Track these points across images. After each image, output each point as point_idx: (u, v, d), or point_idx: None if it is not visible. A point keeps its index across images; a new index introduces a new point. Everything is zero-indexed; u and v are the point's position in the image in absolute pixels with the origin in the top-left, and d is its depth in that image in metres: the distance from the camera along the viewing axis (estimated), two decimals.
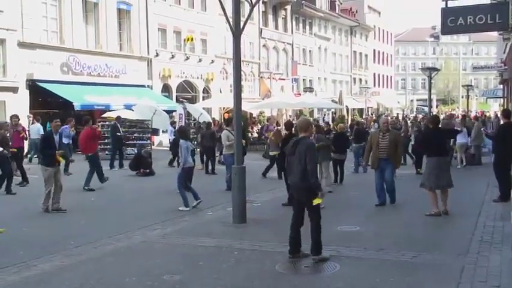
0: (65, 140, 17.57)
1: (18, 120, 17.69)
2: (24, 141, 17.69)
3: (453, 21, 11.92)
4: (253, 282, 6.69)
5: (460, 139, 18.58)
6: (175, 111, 30.56)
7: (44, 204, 11.55)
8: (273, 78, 45.63)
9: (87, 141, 15.53)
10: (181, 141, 12.56)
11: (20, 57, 25.58)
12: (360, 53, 68.12)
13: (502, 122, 13.93)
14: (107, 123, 23.80)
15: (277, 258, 7.63)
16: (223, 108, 37.38)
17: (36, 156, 18.56)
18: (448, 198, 10.87)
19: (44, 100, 27.04)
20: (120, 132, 21.36)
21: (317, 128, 14.77)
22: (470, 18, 11.76)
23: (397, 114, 61.87)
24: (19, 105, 24.21)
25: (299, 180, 7.37)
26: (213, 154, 19.37)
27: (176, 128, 24.27)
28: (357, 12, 66.59)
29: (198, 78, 38.35)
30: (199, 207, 11.88)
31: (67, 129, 19.07)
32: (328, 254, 7.55)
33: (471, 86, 51.68)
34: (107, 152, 22.44)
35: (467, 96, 46.64)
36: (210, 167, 19.05)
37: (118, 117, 22.48)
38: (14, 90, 25.32)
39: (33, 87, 26.11)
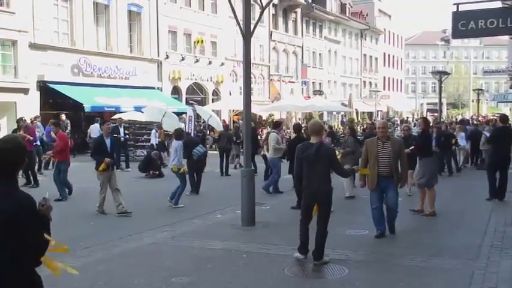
0: (47, 139, 17.61)
1: (24, 122, 17.69)
2: (34, 144, 16.93)
3: (464, 25, 11.86)
4: (261, 285, 6.68)
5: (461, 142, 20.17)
6: (185, 113, 30.61)
7: (99, 208, 11.48)
8: (283, 81, 45.62)
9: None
10: (174, 141, 13.21)
11: (31, 58, 25.74)
12: (370, 56, 67.97)
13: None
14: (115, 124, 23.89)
15: (285, 261, 7.61)
16: (233, 110, 37.41)
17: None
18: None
19: (54, 101, 27.18)
20: (118, 134, 21.36)
21: (351, 131, 14.90)
22: (481, 22, 11.69)
23: (406, 117, 61.62)
24: (30, 107, 24.38)
25: (325, 185, 7.42)
26: (228, 156, 19.68)
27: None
28: (367, 15, 66.47)
29: (207, 80, 38.42)
30: (210, 210, 11.91)
31: (49, 130, 19.22)
32: (328, 258, 7.56)
33: (482, 90, 51.48)
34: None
35: (478, 101, 46.44)
36: (224, 169, 19.20)
37: (119, 119, 22.68)
38: (25, 91, 25.48)
39: (44, 88, 26.27)
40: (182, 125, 27.35)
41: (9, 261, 3.11)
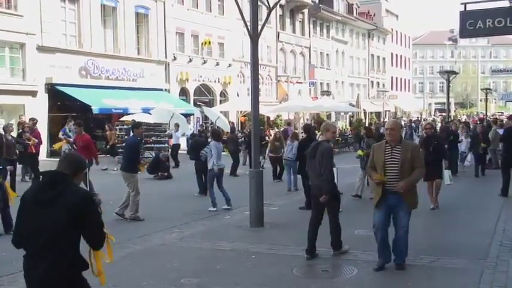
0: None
1: (32, 123, 17.77)
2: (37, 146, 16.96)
3: (472, 25, 11.81)
4: (270, 286, 6.69)
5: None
6: (192, 114, 30.69)
7: (133, 213, 11.25)
8: (290, 81, 45.59)
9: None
10: (212, 142, 12.71)
11: (39, 61, 25.85)
12: (378, 57, 67.82)
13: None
14: (124, 126, 23.92)
15: (294, 262, 7.62)
16: (241, 111, 37.45)
17: None
18: None
19: (62, 104, 27.27)
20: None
21: (367, 132, 14.43)
22: (489, 21, 11.64)
23: (417, 117, 61.40)
24: (38, 109, 24.46)
25: (319, 182, 7.72)
26: (237, 158, 19.68)
27: (191, 132, 24.45)
28: (374, 15, 66.33)
29: (215, 81, 38.45)
30: (218, 211, 11.93)
31: (64, 130, 19.32)
32: (347, 246, 7.96)
33: (490, 89, 51.26)
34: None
35: (486, 100, 46.26)
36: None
37: (133, 121, 22.70)
38: (33, 94, 25.59)
39: (52, 91, 26.36)
40: (190, 126, 27.49)
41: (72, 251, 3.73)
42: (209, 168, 12.51)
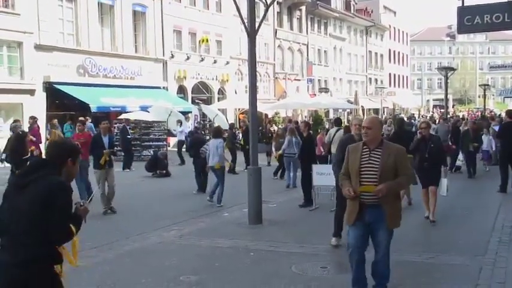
0: None
1: (33, 121, 17.74)
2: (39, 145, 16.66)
3: (470, 20, 11.78)
4: (269, 283, 6.69)
5: None
6: (190, 112, 30.67)
7: (106, 205, 11.49)
8: (288, 78, 45.56)
9: None
10: (211, 140, 13.03)
11: (36, 59, 25.80)
12: (376, 53, 67.80)
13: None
14: (117, 125, 23.90)
15: (293, 259, 7.62)
16: (239, 109, 37.42)
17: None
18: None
19: (60, 102, 27.23)
20: (128, 135, 21.38)
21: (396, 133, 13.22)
22: (487, 17, 11.62)
23: (412, 114, 61.38)
24: (36, 108, 24.42)
25: None
26: (234, 155, 19.66)
27: (189, 129, 24.41)
28: (372, 12, 66.30)
29: (213, 79, 38.43)
30: (217, 209, 11.95)
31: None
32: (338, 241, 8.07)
33: (488, 85, 51.31)
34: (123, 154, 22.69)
35: (484, 96, 46.31)
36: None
37: (126, 120, 22.69)
38: (31, 92, 25.54)
39: (50, 89, 26.32)
40: (188, 124, 27.46)
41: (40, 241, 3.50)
42: (209, 165, 12.63)
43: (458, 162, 17.71)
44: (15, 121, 17.58)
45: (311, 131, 14.29)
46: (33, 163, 3.93)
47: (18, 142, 13.58)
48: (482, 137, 18.34)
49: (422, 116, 51.80)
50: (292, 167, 14.96)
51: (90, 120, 24.25)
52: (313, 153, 13.01)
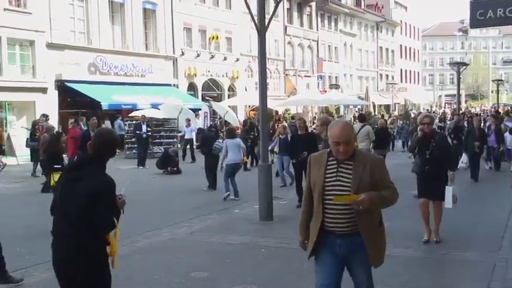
0: None
1: (45, 119, 17.84)
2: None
3: (482, 14, 11.67)
4: (280, 279, 6.67)
5: None
6: (200, 109, 30.72)
7: None
8: (299, 75, 45.51)
9: None
10: (226, 140, 13.41)
11: (48, 58, 25.95)
12: (387, 49, 67.49)
13: None
14: (134, 122, 23.97)
15: (304, 255, 7.58)
16: (249, 106, 37.43)
17: None
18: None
19: (72, 100, 27.37)
20: (140, 131, 21.37)
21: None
22: (500, 10, 11.50)
23: (427, 109, 61.04)
24: (48, 106, 24.59)
25: None
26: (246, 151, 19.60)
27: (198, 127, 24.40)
28: (382, 7, 65.98)
29: (223, 76, 38.44)
30: (228, 205, 11.92)
31: None
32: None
33: (501, 80, 50.90)
34: (134, 151, 22.78)
35: (497, 91, 45.98)
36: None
37: (143, 117, 22.72)
38: (43, 90, 25.70)
39: (62, 87, 26.47)
40: (199, 121, 27.47)
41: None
42: (230, 163, 12.97)
43: (461, 165, 15.01)
44: (45, 118, 17.66)
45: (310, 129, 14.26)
46: (81, 158, 4.36)
47: (54, 142, 13.46)
48: (505, 135, 17.09)
49: (433, 112, 50.91)
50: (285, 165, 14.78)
51: (120, 118, 25.39)
52: (314, 151, 12.90)
